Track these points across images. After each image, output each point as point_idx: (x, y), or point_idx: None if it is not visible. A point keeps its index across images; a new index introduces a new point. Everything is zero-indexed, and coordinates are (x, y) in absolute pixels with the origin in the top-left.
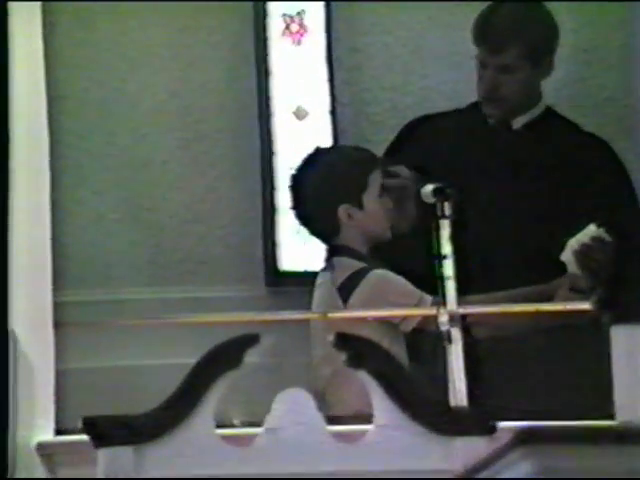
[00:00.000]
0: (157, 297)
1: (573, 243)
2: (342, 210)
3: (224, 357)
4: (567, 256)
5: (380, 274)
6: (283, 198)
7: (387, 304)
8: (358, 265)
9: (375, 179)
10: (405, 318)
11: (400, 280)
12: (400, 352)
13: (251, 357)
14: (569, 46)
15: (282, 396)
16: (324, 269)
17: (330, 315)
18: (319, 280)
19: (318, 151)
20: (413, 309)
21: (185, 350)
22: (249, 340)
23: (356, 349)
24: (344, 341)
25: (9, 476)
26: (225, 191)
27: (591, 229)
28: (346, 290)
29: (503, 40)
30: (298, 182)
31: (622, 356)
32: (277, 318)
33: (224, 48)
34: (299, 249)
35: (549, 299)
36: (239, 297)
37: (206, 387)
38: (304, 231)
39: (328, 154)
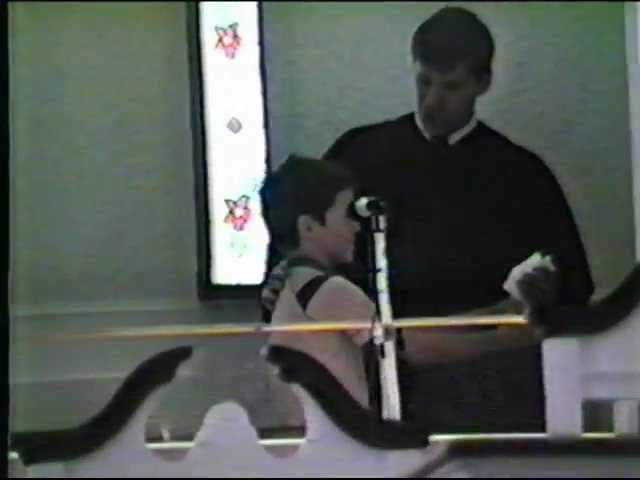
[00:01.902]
0: (89, 311)
1: (516, 273)
2: (302, 221)
3: (156, 371)
4: (510, 285)
5: (339, 281)
6: (217, 211)
7: (344, 312)
8: (317, 273)
9: (344, 197)
10: (359, 331)
11: (358, 290)
12: (355, 364)
13: (183, 371)
14: (503, 60)
15: (214, 410)
16: (276, 278)
17: (265, 329)
18: (266, 293)
19: (292, 160)
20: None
21: (117, 364)
22: (181, 353)
23: (289, 362)
24: (277, 354)
25: None
26: (158, 203)
27: (535, 258)
28: (305, 296)
29: (451, 57)
30: (266, 189)
31: (554, 369)
32: (210, 331)
33: (157, 61)
34: (233, 262)
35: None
36: (172, 310)
37: (138, 401)
38: (238, 244)
39: (301, 164)
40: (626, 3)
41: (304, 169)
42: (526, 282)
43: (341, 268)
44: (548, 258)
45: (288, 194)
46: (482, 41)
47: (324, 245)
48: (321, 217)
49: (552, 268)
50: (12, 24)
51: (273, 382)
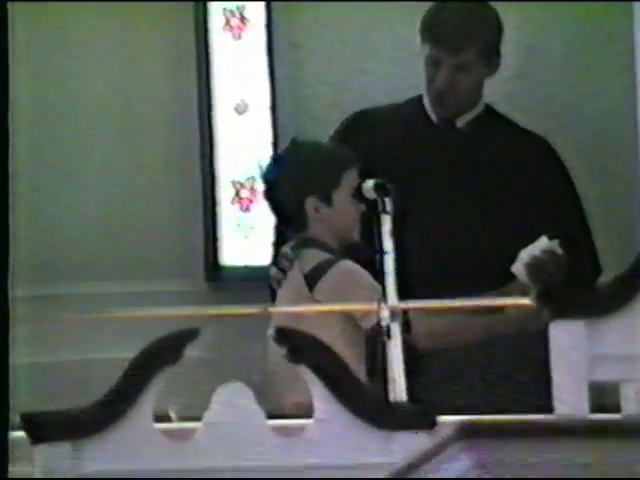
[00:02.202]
0: (95, 292)
1: (524, 255)
2: (309, 203)
3: (163, 352)
4: (518, 268)
5: (348, 265)
6: (224, 192)
7: (352, 296)
8: (326, 256)
9: (349, 178)
10: (366, 314)
11: (365, 273)
12: (357, 348)
13: (191, 351)
14: (511, 43)
15: (221, 390)
16: (285, 261)
17: (271, 310)
18: (275, 272)
19: (295, 143)
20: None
21: (124, 345)
22: (188, 335)
23: (296, 343)
24: (284, 335)
25: None
26: (165, 185)
27: (543, 241)
28: (313, 278)
29: (461, 39)
30: (271, 172)
31: (561, 351)
32: (217, 312)
33: (164, 43)
34: (240, 244)
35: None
36: (179, 292)
37: (145, 382)
38: (244, 225)
39: (305, 147)
40: None
41: (308, 152)
42: (534, 265)
43: (349, 249)
44: (555, 241)
45: (294, 177)
46: (492, 24)
47: (332, 226)
48: (328, 198)
49: (559, 251)
50: (17, 10)
51: (269, 364)
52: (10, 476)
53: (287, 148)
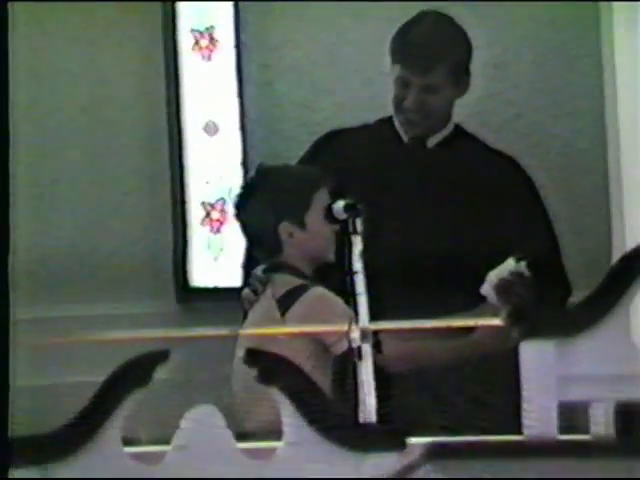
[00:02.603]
0: (65, 315)
1: (492, 277)
2: (283, 228)
3: (133, 374)
4: (487, 290)
5: (321, 291)
6: (194, 214)
7: (324, 323)
8: (299, 281)
9: (320, 199)
10: (338, 340)
11: (338, 301)
12: (326, 371)
13: (161, 374)
14: (479, 62)
15: (191, 412)
16: (257, 283)
17: (241, 332)
18: (247, 293)
19: (262, 169)
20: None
21: (94, 368)
22: (158, 357)
23: (267, 365)
24: (255, 357)
25: None
26: (135, 206)
27: (510, 263)
28: (285, 303)
29: (430, 60)
30: (242, 198)
31: (530, 371)
32: (187, 335)
33: (134, 63)
34: (210, 265)
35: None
36: (150, 313)
37: (114, 404)
38: (215, 246)
39: (272, 172)
40: (601, 4)
41: (276, 176)
42: (502, 286)
43: (324, 270)
44: (523, 263)
45: (265, 203)
46: (461, 44)
47: (306, 249)
48: (301, 222)
49: (527, 273)
50: None
51: (236, 385)
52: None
53: (254, 174)
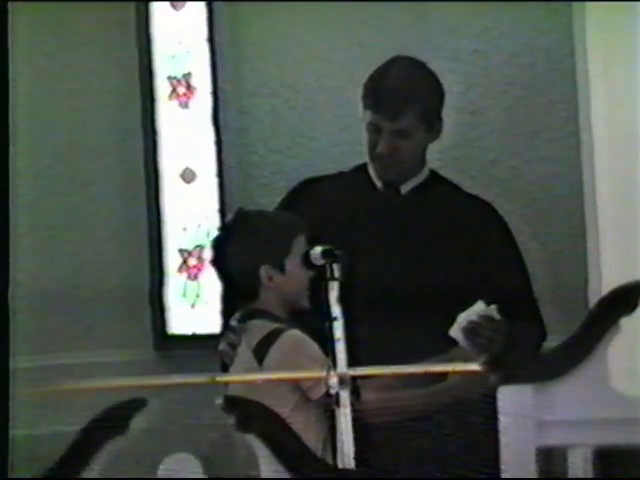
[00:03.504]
0: (43, 364)
1: (461, 320)
2: (263, 271)
3: (109, 423)
4: (456, 332)
5: (294, 334)
6: (171, 261)
7: (298, 367)
8: (273, 326)
9: (299, 244)
10: (314, 385)
11: (313, 344)
12: (309, 418)
13: (137, 422)
14: (454, 108)
15: (168, 460)
16: (232, 335)
17: (218, 379)
18: (223, 347)
19: (241, 213)
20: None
21: (71, 417)
22: (135, 405)
23: (244, 412)
24: (232, 404)
25: None
26: (112, 254)
27: (480, 306)
28: (260, 352)
29: (400, 105)
30: (221, 243)
31: (508, 416)
32: (165, 382)
33: (110, 110)
34: (187, 312)
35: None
36: (128, 361)
37: (92, 453)
38: (191, 294)
39: (252, 216)
40: (576, 50)
41: (256, 220)
42: (471, 329)
43: (298, 316)
44: (494, 307)
45: (245, 246)
46: (432, 88)
47: (283, 293)
48: (280, 265)
49: (497, 316)
50: None
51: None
52: None
53: (233, 218)
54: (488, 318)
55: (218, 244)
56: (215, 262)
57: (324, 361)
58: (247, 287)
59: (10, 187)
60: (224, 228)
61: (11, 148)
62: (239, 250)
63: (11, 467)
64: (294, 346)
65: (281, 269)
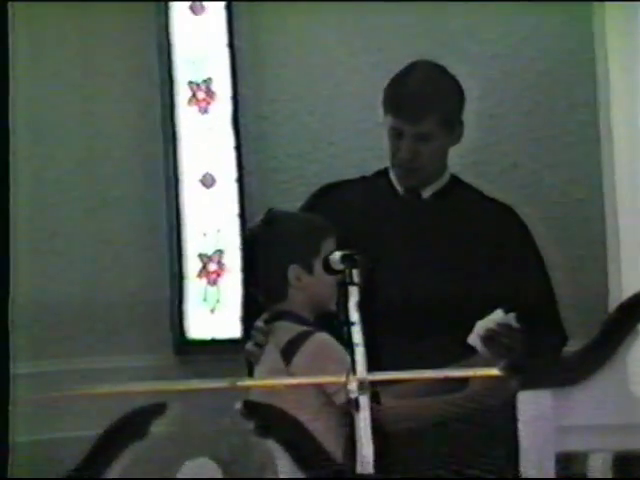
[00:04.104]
0: (63, 369)
1: (479, 327)
2: (292, 270)
3: (129, 428)
4: (474, 339)
5: (323, 338)
6: (190, 266)
7: (327, 370)
8: (300, 328)
9: (328, 247)
10: (339, 389)
11: (341, 349)
12: (337, 427)
13: (158, 427)
14: (474, 112)
15: (187, 466)
16: (259, 335)
17: (239, 384)
18: (250, 346)
19: (272, 214)
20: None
21: (92, 422)
22: (155, 410)
23: (264, 417)
24: (251, 409)
25: None
26: (132, 259)
27: (498, 314)
28: (288, 353)
29: (421, 108)
30: (251, 244)
31: (528, 422)
32: (185, 388)
33: (131, 116)
34: (207, 317)
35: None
36: (148, 366)
37: (111, 458)
38: (211, 299)
39: (282, 217)
40: (597, 52)
41: (287, 221)
42: (489, 337)
43: (326, 319)
44: (512, 315)
45: (276, 245)
46: (452, 92)
47: (312, 294)
48: (309, 266)
49: (515, 325)
50: None
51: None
52: None
53: (264, 219)
54: (507, 326)
55: (248, 244)
56: (245, 262)
57: (347, 368)
58: (275, 287)
59: (30, 193)
60: (254, 228)
61: (31, 153)
62: (269, 249)
63: (33, 471)
64: (322, 349)
65: (309, 270)
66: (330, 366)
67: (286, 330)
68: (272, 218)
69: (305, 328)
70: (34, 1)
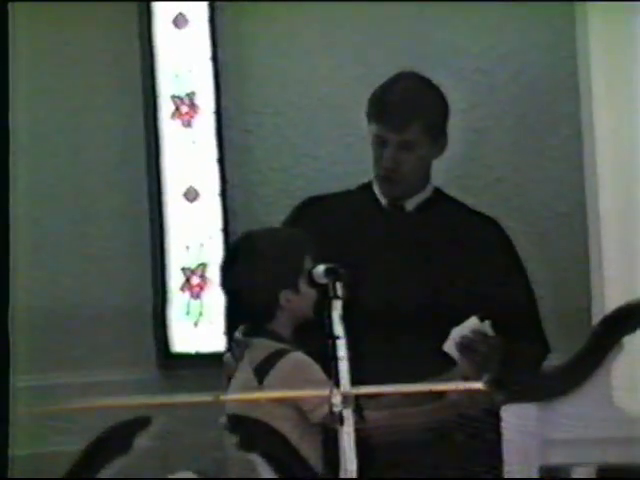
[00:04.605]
0: (46, 384)
1: (454, 334)
2: (283, 296)
3: (113, 441)
4: (449, 347)
5: (297, 358)
6: (174, 280)
7: (299, 390)
8: (277, 346)
9: (309, 261)
10: (315, 407)
11: (316, 368)
12: (309, 438)
13: (141, 441)
14: (459, 127)
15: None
16: (236, 348)
17: (222, 398)
18: (227, 358)
19: (250, 234)
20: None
21: (76, 436)
22: (138, 424)
23: (248, 431)
24: (236, 423)
25: None
26: (115, 273)
27: (473, 321)
28: (261, 372)
29: (405, 116)
30: (228, 265)
31: (512, 435)
32: (169, 401)
33: (114, 130)
34: (190, 330)
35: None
36: (131, 380)
37: (95, 472)
38: (194, 312)
39: (260, 238)
40: (579, 67)
41: (265, 242)
42: (463, 344)
43: (303, 332)
44: (487, 322)
45: (258, 270)
46: (437, 102)
47: (297, 312)
48: (295, 285)
49: (490, 332)
50: None
51: (230, 450)
52: None
53: (240, 240)
54: (481, 334)
55: (226, 267)
56: (224, 284)
57: (327, 385)
58: (265, 310)
59: (11, 205)
60: (231, 250)
61: (13, 166)
62: (251, 274)
63: None
64: (296, 369)
65: (296, 290)
66: (304, 386)
67: (262, 348)
68: (248, 240)
69: (281, 346)
70: (34, 1)
